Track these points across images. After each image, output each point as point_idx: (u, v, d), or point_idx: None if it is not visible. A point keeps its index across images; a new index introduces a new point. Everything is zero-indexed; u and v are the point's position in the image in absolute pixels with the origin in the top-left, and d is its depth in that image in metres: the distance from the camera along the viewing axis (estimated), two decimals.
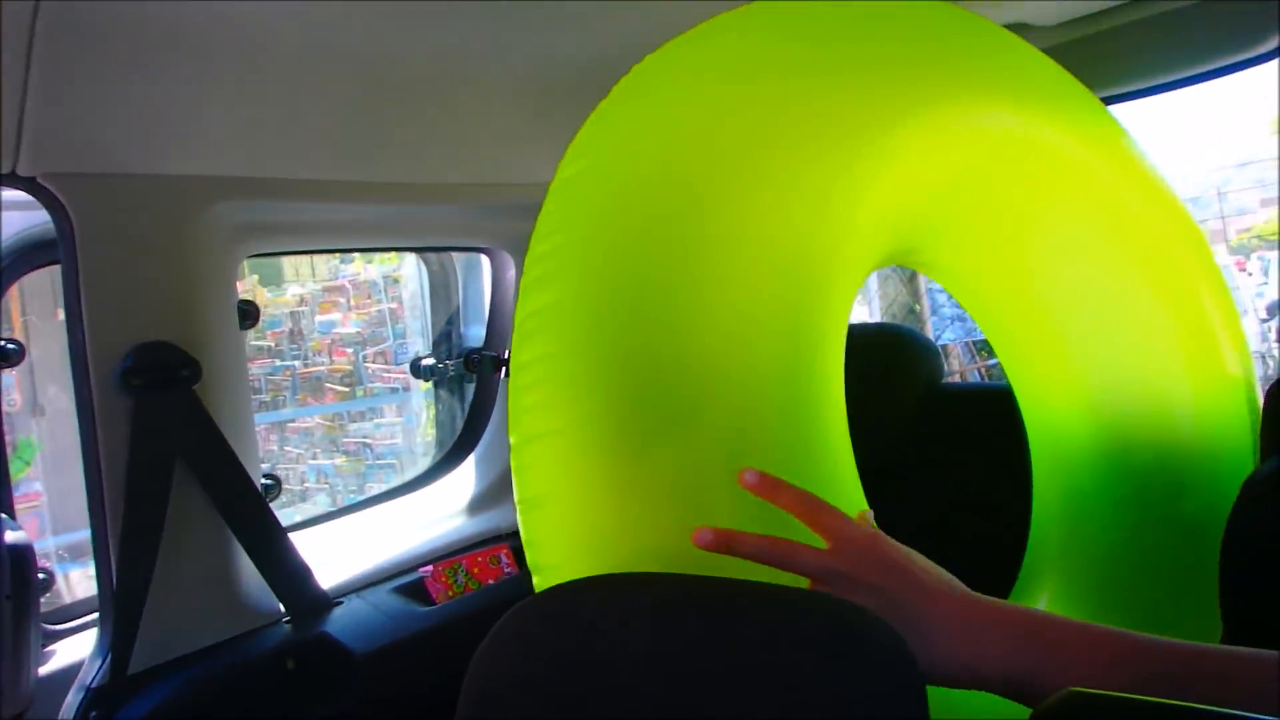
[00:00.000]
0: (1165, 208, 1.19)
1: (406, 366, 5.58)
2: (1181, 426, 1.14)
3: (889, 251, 1.14)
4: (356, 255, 5.81)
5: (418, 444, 5.25)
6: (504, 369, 1.93)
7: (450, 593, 1.64)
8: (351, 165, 1.53)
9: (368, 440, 5.34)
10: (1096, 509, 1.17)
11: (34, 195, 1.26)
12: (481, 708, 0.64)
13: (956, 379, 5.50)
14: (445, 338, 2.10)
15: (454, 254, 2.12)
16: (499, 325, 1.99)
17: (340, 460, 5.23)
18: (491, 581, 1.68)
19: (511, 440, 0.84)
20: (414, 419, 5.39)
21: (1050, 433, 1.24)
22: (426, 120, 1.54)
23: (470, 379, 2.03)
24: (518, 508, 0.84)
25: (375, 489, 5.16)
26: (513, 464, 0.84)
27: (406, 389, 5.26)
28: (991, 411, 1.52)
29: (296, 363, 5.32)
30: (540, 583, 0.81)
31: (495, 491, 1.88)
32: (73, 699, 1.29)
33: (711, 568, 0.71)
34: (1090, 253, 1.17)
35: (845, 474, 0.87)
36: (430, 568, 1.66)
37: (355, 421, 5.43)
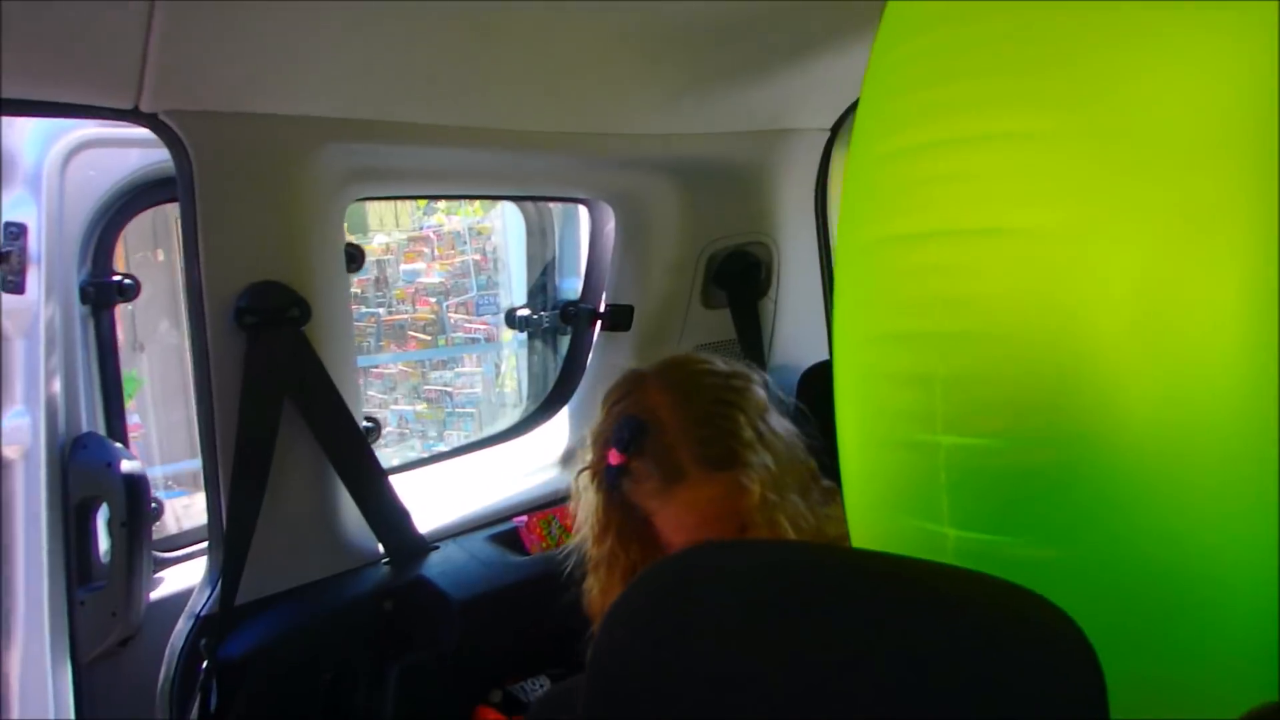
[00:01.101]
0: None
1: (488, 318, 5.63)
2: None
3: None
4: (440, 207, 5.86)
5: (496, 395, 5.31)
6: (600, 322, 1.91)
7: (544, 544, 1.64)
8: (457, 110, 1.51)
9: (448, 389, 5.42)
10: None
11: (155, 132, 1.28)
12: (610, 671, 0.62)
13: None
14: (540, 289, 2.09)
15: (551, 205, 2.10)
16: (596, 278, 1.96)
17: (421, 407, 5.32)
18: None
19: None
20: (493, 370, 5.45)
21: None
22: (533, 66, 1.51)
23: (565, 331, 2.02)
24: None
25: (454, 436, 5.24)
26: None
27: (489, 340, 5.31)
28: None
29: (381, 310, 5.41)
30: None
31: None
32: (183, 626, 1.32)
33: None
34: None
35: None
36: (525, 518, 1.67)
37: (436, 370, 5.51)
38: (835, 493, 1.13)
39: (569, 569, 1.31)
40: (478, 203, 5.69)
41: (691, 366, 1.23)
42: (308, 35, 1.27)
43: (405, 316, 5.66)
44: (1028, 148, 0.62)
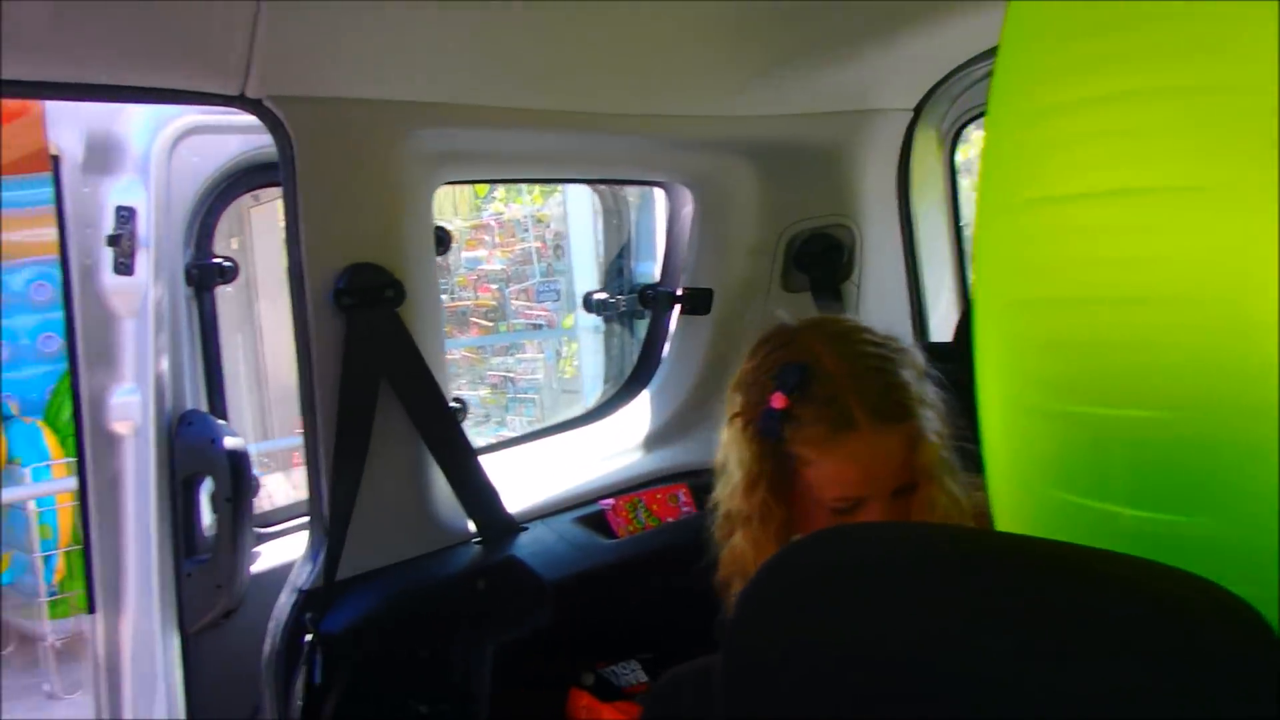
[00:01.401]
0: None
1: (548, 304, 5.66)
2: None
3: None
4: (498, 195, 5.90)
5: (558, 380, 5.34)
6: (679, 305, 1.91)
7: (631, 527, 1.66)
8: (540, 93, 1.53)
9: (510, 374, 5.47)
10: None
11: (259, 118, 1.31)
12: (749, 654, 0.61)
13: None
14: (617, 273, 2.10)
15: (627, 189, 2.11)
16: (674, 261, 1.97)
17: (484, 392, 5.37)
18: (671, 520, 1.69)
19: None
20: (554, 356, 5.49)
21: None
22: (615, 49, 1.52)
23: (642, 315, 2.03)
24: None
25: (516, 421, 5.28)
26: None
27: (550, 326, 5.35)
28: None
29: (444, 296, 5.47)
30: None
31: (672, 428, 1.88)
32: (286, 600, 1.36)
33: None
34: None
35: None
36: (611, 501, 1.69)
37: (498, 356, 5.56)
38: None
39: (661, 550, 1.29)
40: (537, 191, 5.73)
41: (847, 324, 1.21)
42: (402, 21, 1.29)
43: (468, 303, 5.72)
44: (1203, 102, 0.59)
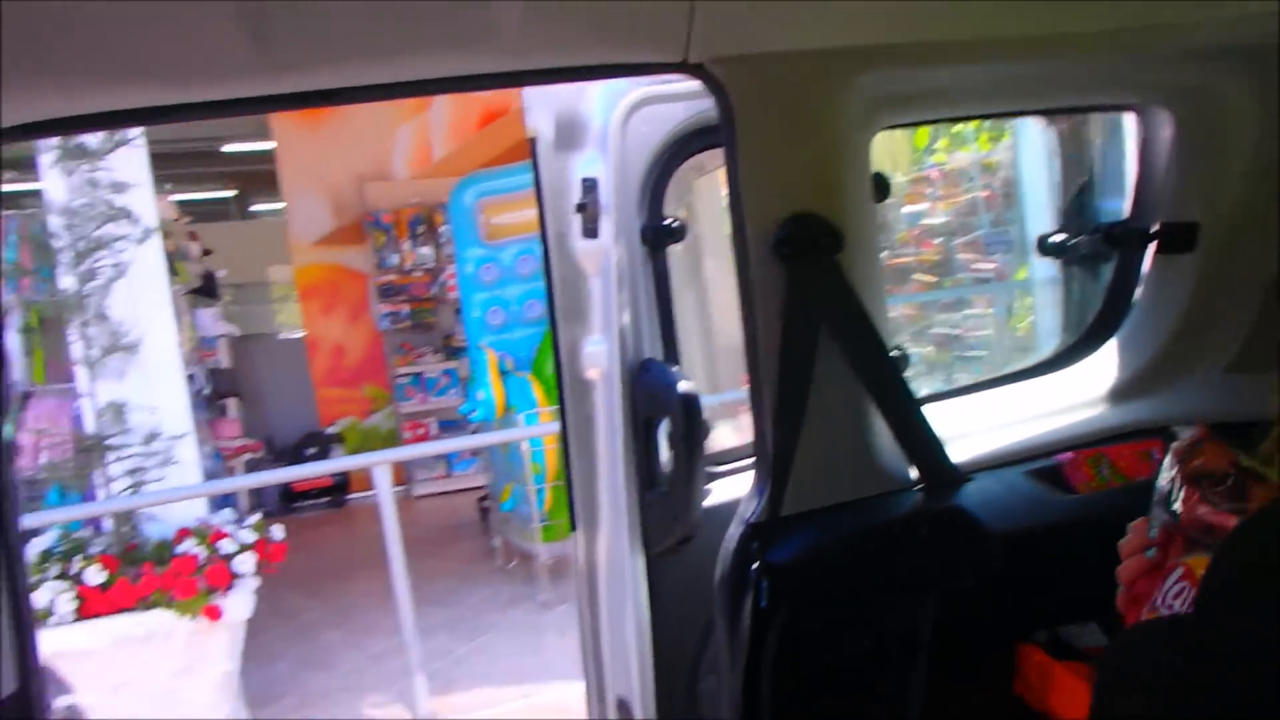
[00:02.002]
0: None
1: (998, 256, 5.33)
2: None
3: None
4: (939, 146, 5.65)
5: (1010, 337, 5.01)
6: (1155, 243, 1.69)
7: (1093, 484, 1.52)
8: (994, 20, 1.42)
9: (955, 331, 5.26)
10: None
11: (702, 81, 1.38)
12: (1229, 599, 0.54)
13: None
14: (1076, 212, 1.91)
15: (1089, 117, 1.90)
16: (1147, 194, 1.74)
17: (928, 349, 5.22)
18: (1142, 479, 1.51)
19: None
20: (1004, 311, 5.16)
21: None
22: None
23: (1106, 257, 1.82)
24: None
25: (962, 380, 5.09)
26: None
27: (1000, 279, 5.04)
28: None
29: (885, 252, 5.41)
30: None
31: (1145, 379, 1.68)
32: (734, 531, 1.44)
33: None
34: None
35: None
36: (1070, 455, 1.56)
37: (943, 312, 5.37)
38: None
39: None
40: (984, 136, 5.40)
41: None
42: None
43: (909, 260, 5.59)
44: None
